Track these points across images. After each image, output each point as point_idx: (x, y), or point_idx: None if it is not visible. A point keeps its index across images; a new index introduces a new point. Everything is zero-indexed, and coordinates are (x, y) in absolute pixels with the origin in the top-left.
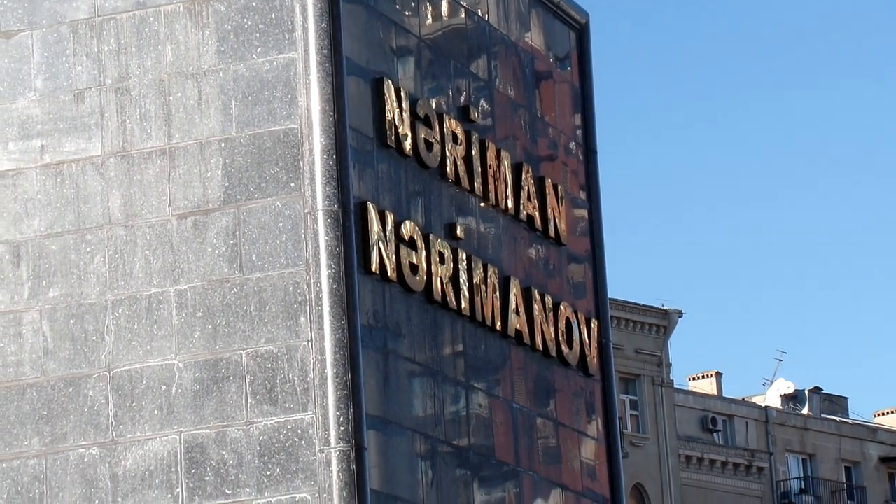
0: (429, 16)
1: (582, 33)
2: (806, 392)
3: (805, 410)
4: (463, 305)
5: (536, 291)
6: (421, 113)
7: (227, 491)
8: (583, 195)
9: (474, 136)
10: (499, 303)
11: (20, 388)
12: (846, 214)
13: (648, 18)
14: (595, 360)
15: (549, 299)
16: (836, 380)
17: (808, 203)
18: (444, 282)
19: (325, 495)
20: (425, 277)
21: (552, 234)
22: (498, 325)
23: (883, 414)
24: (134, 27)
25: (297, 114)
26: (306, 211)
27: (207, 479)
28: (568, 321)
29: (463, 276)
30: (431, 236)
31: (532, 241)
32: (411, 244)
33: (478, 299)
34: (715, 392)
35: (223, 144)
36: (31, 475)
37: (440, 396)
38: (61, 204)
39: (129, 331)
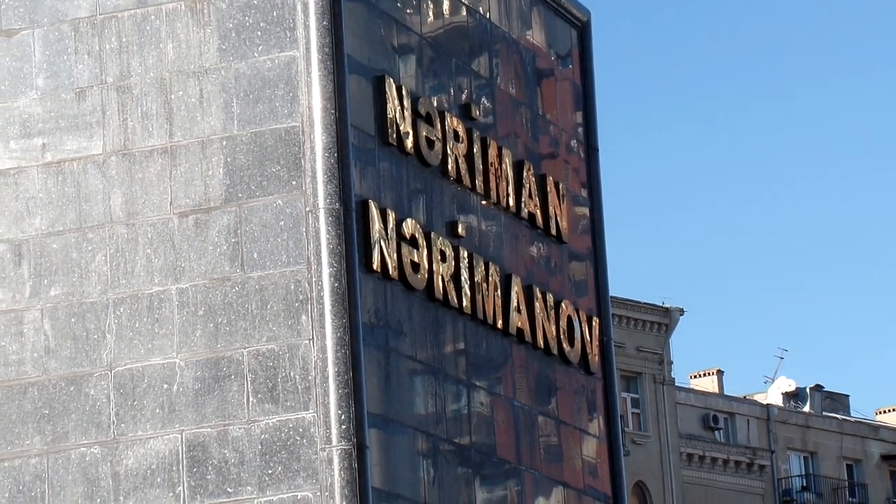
0: (430, 14)
1: (583, 31)
2: (807, 390)
3: (806, 408)
4: (464, 303)
5: (538, 289)
6: (422, 111)
7: (228, 489)
8: (584, 193)
9: (476, 134)
10: (500, 301)
11: (21, 387)
12: (847, 212)
13: (649, 16)
14: (596, 358)
15: (550, 297)
16: (837, 377)
17: (809, 201)
18: (446, 280)
19: (326, 494)
20: (427, 275)
21: (553, 231)
22: (499, 324)
23: (884, 412)
24: (135, 25)
25: (299, 112)
26: (308, 209)
27: (209, 477)
28: (569, 319)
29: (464, 274)
30: (433, 234)
31: (533, 239)
32: (413, 242)
33: (479, 297)
34: (716, 390)
35: (225, 143)
36: (32, 474)
37: (442, 394)
38: (63, 202)
39: (131, 329)
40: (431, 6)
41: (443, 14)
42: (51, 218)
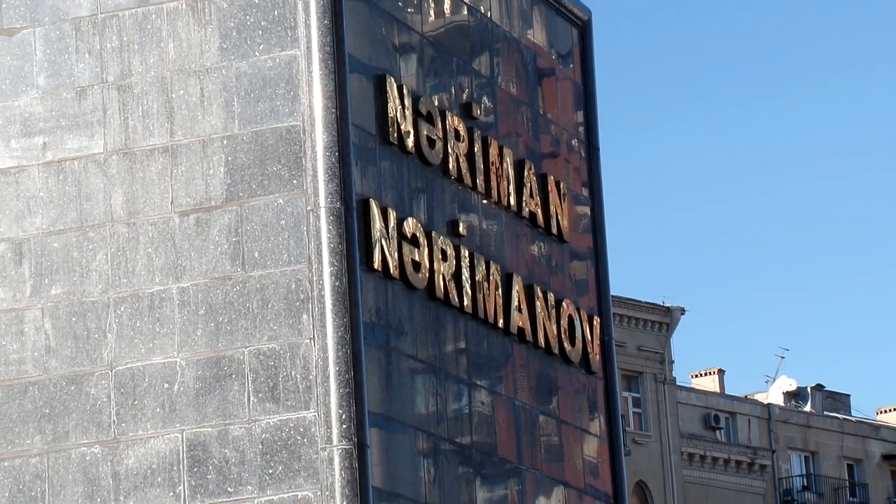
0: (431, 13)
1: (584, 30)
2: (808, 389)
3: (807, 408)
4: (465, 303)
5: (539, 288)
6: (423, 110)
7: (229, 489)
8: (585, 192)
9: (476, 133)
10: (501, 300)
11: (22, 387)
12: (849, 212)
13: (650, 15)
14: (597, 357)
15: (551, 296)
16: (838, 377)
17: (810, 200)
18: (447, 279)
19: (327, 493)
20: (427, 275)
21: (554, 231)
22: (500, 323)
23: (886, 411)
24: (136, 24)
25: (300, 111)
26: (309, 208)
27: (210, 477)
28: (570, 318)
29: (465, 274)
30: (434, 233)
31: (534, 239)
32: (413, 241)
33: (480, 296)
34: (717, 389)
35: (225, 142)
36: (32, 473)
37: (442, 394)
38: (63, 201)
39: (132, 328)
40: (432, 5)
41: (444, 13)
42: (52, 217)
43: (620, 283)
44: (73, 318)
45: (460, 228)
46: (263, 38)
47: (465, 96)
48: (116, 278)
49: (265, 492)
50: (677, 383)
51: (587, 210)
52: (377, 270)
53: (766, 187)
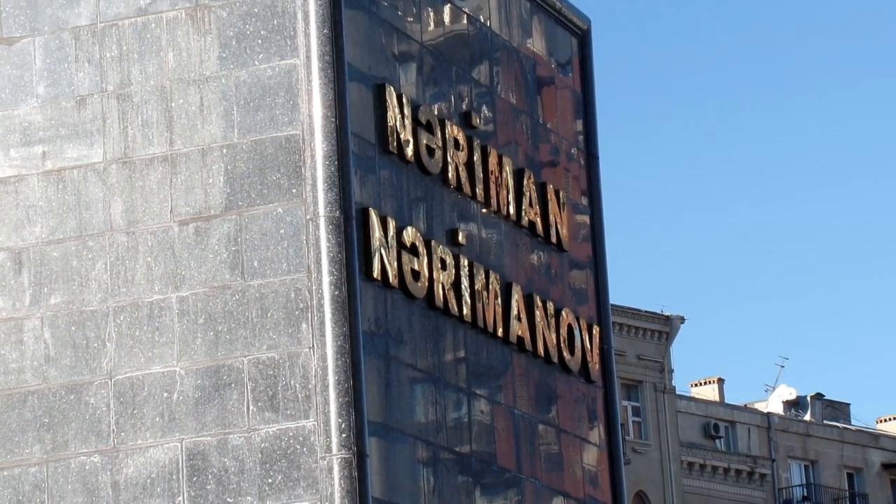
0: (431, 22)
1: (583, 39)
2: (808, 398)
3: (807, 417)
4: (465, 312)
5: (538, 297)
6: (423, 119)
7: (228, 499)
8: (584, 201)
9: (476, 143)
10: (500, 309)
11: (21, 396)
12: (848, 220)
13: (650, 24)
14: (597, 366)
15: (550, 305)
16: (838, 386)
17: (810, 209)
18: (446, 288)
19: (326, 503)
20: (427, 284)
21: (554, 240)
22: (500, 332)
23: (885, 420)
24: (136, 34)
25: (299, 120)
26: (308, 217)
27: (209, 486)
28: (570, 327)
29: (465, 283)
30: (433, 242)
31: (534, 248)
32: (413, 250)
33: (479, 306)
34: (717, 398)
35: (225, 151)
36: (32, 483)
37: (442, 403)
38: (63, 210)
39: (131, 338)
40: (432, 14)
41: (443, 22)
42: (51, 226)
43: (620, 292)
44: (73, 328)
45: (460, 237)
46: (263, 47)
47: (464, 105)
48: (116, 287)
49: (264, 501)
50: (677, 392)
51: (586, 219)
52: (376, 280)
53: (765, 196)
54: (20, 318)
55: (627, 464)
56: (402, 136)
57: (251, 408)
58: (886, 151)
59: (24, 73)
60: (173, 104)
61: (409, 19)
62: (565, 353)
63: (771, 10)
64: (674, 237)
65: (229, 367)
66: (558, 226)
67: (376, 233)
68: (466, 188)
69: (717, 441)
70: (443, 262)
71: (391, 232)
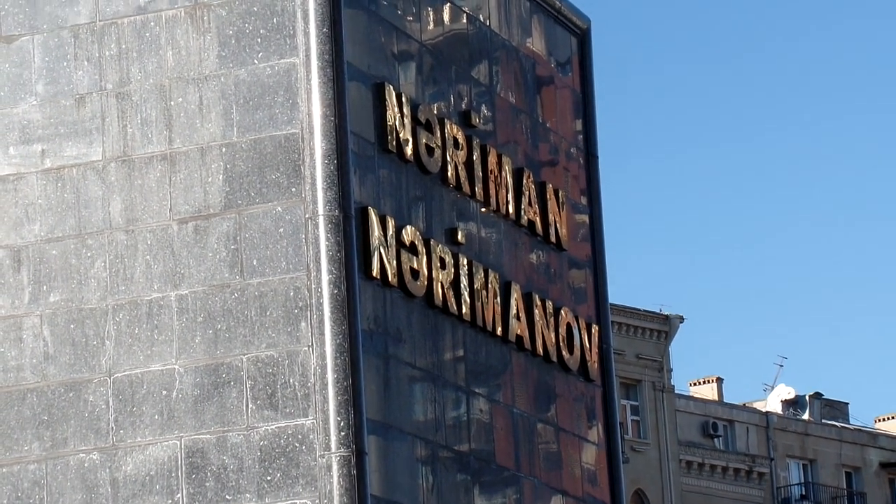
0: (430, 21)
1: (583, 39)
2: (807, 397)
3: (806, 416)
4: (464, 310)
5: (537, 297)
6: (422, 118)
7: (227, 496)
8: (584, 200)
9: (475, 142)
10: (499, 308)
11: (21, 393)
12: (846, 220)
13: (649, 24)
14: (596, 365)
15: (549, 304)
16: (836, 385)
17: (809, 209)
18: (445, 287)
19: (325, 500)
20: (426, 282)
21: (553, 239)
22: (499, 331)
23: (884, 419)
24: (135, 32)
25: (299, 119)
26: (307, 216)
27: (208, 484)
28: (569, 326)
29: (464, 282)
30: (432, 241)
31: (533, 247)
32: (412, 249)
33: (478, 304)
34: (716, 397)
35: (224, 149)
36: (31, 480)
37: (441, 401)
38: (62, 209)
39: (130, 336)
40: (431, 13)
41: (443, 21)
42: (50, 224)
43: (619, 292)
44: (72, 326)
45: (459, 236)
46: (262, 46)
47: (464, 104)
48: (115, 286)
49: (263, 499)
50: (676, 391)
51: (586, 218)
52: (376, 278)
53: (764, 196)
54: (19, 315)
55: (626, 463)
56: (401, 136)
57: (250, 406)
58: (884, 151)
59: (23, 72)
60: (172, 103)
61: (408, 18)
62: (564, 352)
63: (773, 12)
64: (673, 237)
65: (228, 365)
66: (557, 225)
67: (375, 232)
68: (466, 187)
69: (715, 440)
70: (442, 261)
71: (390, 231)
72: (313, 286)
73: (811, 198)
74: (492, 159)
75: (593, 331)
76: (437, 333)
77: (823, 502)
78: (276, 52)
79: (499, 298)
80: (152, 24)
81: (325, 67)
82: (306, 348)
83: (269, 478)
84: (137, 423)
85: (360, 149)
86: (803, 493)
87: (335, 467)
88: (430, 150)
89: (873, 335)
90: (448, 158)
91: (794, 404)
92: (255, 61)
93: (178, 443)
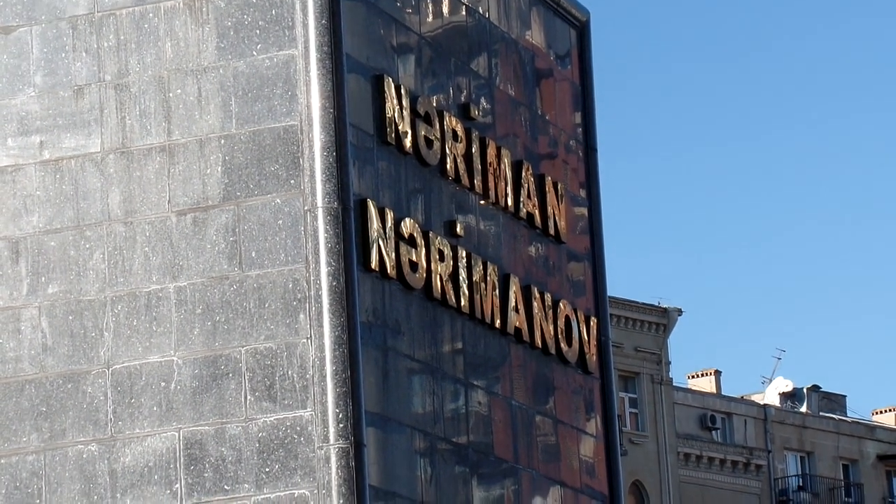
0: (429, 13)
1: (582, 31)
2: (804, 390)
3: (803, 408)
4: (462, 303)
5: (536, 289)
6: (421, 110)
7: (225, 487)
8: (583, 193)
9: (474, 134)
10: (498, 300)
11: (19, 385)
12: (846, 216)
13: (649, 16)
14: (594, 357)
15: (548, 297)
16: (834, 378)
17: (807, 202)
18: (444, 279)
19: (324, 492)
20: (425, 275)
21: (552, 231)
22: (497, 323)
23: (881, 412)
24: (133, 23)
25: (297, 111)
26: (306, 208)
27: (206, 475)
28: (567, 319)
29: (462, 274)
30: (431, 234)
31: (532, 239)
32: (411, 242)
33: (477, 297)
34: (714, 390)
35: (223, 141)
36: (29, 471)
37: (439, 394)
38: (60, 200)
39: (129, 327)
40: (431, 6)
41: (442, 14)
42: (48, 216)
43: (618, 285)
44: (70, 317)
45: (458, 229)
46: (261, 37)
47: (463, 97)
48: (113, 277)
49: (262, 490)
50: (674, 384)
51: (584, 211)
52: (374, 270)
53: (763, 191)
54: (18, 307)
55: (624, 455)
56: (400, 128)
57: (249, 398)
58: (882, 146)
59: (21, 63)
60: (171, 94)
61: (407, 10)
62: (563, 345)
63: (775, 6)
64: (672, 230)
65: (227, 356)
66: (556, 218)
67: (374, 224)
68: (465, 180)
69: (713, 432)
70: (441, 253)
71: (389, 223)
72: (312, 278)
73: (810, 193)
74: (491, 152)
75: (592, 323)
76: (435, 326)
77: (821, 494)
78: (275, 44)
79: (497, 291)
80: (151, 15)
81: (324, 59)
82: (305, 340)
83: (267, 469)
84: (136, 414)
85: (358, 141)
86: (801, 484)
87: (333, 459)
88: (429, 143)
89: (871, 329)
90: (447, 151)
91: (791, 397)
92: (254, 53)
93: (177, 434)
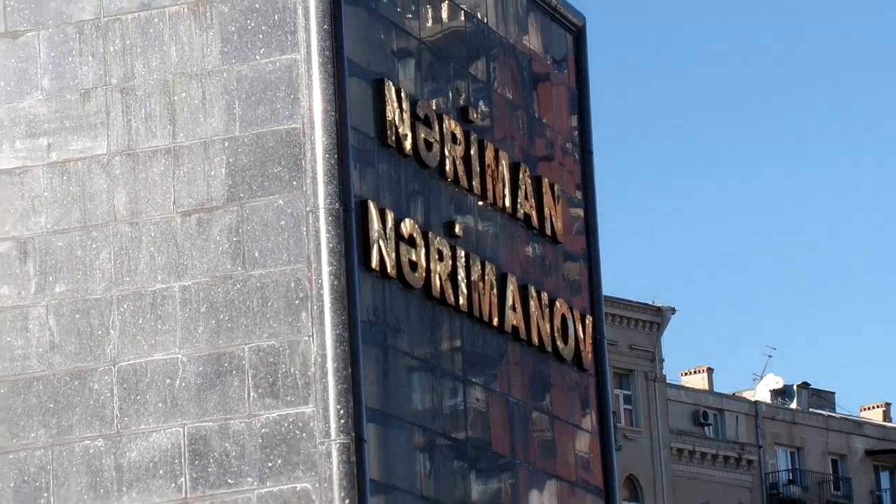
0: (429, 18)
1: (579, 36)
2: (794, 387)
3: (793, 405)
4: (461, 302)
5: (533, 288)
6: (421, 113)
7: (229, 481)
8: (578, 195)
9: (473, 137)
10: (496, 299)
11: (27, 382)
12: (834, 214)
13: (644, 22)
14: (589, 355)
15: (545, 296)
16: (823, 375)
17: (796, 203)
18: (443, 278)
19: (325, 485)
20: (424, 274)
21: (548, 232)
22: (495, 321)
23: (869, 408)
24: (139, 28)
25: (300, 114)
26: (308, 209)
27: (210, 469)
28: (563, 317)
29: (461, 273)
30: (430, 234)
31: (529, 240)
32: (411, 242)
33: (475, 296)
34: (706, 387)
35: (227, 144)
36: (37, 466)
37: (438, 390)
38: (68, 201)
39: (134, 325)
40: (430, 11)
41: (441, 19)
42: (56, 216)
43: (613, 284)
44: (77, 316)
45: (456, 229)
46: (264, 42)
47: (461, 100)
48: (119, 276)
49: (265, 483)
50: (667, 381)
51: (580, 212)
52: (375, 270)
53: (753, 191)
54: (26, 306)
55: (619, 450)
56: (400, 130)
57: (252, 394)
58: (869, 147)
59: (28, 67)
60: (176, 98)
61: (407, 16)
62: (559, 343)
63: (766, 8)
64: (666, 231)
65: (230, 354)
66: (553, 218)
67: (375, 224)
68: (463, 181)
69: (705, 428)
70: (440, 253)
71: (389, 224)
72: (314, 277)
73: (800, 193)
74: (489, 154)
75: (587, 322)
76: (434, 324)
77: (810, 488)
78: (278, 48)
79: (495, 290)
80: (156, 20)
81: (325, 63)
82: (307, 338)
83: (270, 464)
84: (141, 410)
85: (359, 143)
86: (791, 478)
87: (335, 454)
88: (428, 145)
89: (859, 327)
90: (446, 153)
91: (782, 394)
92: (257, 57)
93: (182, 430)
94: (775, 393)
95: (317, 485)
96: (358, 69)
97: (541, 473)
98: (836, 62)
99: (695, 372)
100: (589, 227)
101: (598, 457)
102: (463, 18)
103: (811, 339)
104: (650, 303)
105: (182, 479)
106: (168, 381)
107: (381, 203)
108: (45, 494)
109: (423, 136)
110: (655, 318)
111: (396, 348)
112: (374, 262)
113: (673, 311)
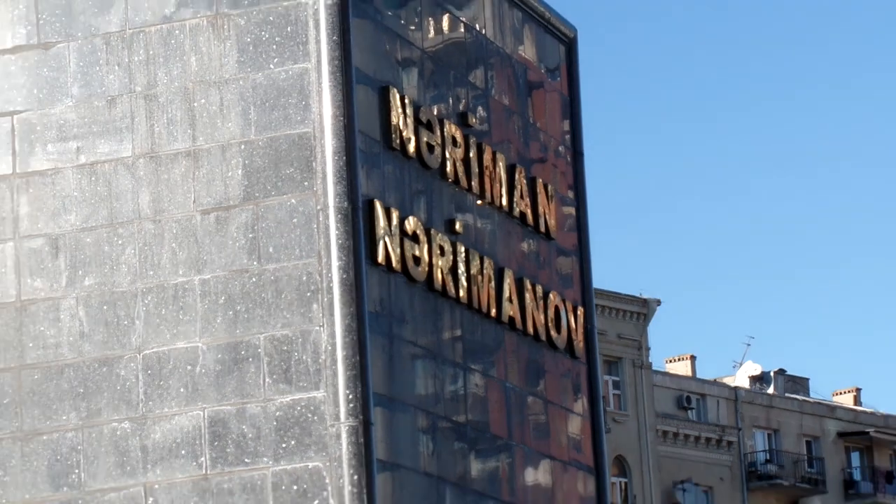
0: (431, 30)
1: (570, 46)
2: (771, 373)
3: (770, 390)
4: (461, 294)
5: (528, 281)
6: (423, 118)
7: (246, 460)
8: (571, 194)
9: (472, 140)
10: (494, 292)
11: (59, 368)
12: (807, 210)
13: (632, 32)
14: (581, 344)
15: (539, 289)
16: (798, 362)
17: (773, 200)
18: (444, 272)
19: (335, 464)
20: (427, 268)
21: (543, 229)
22: (493, 312)
23: (841, 393)
24: (161, 39)
25: (311, 119)
26: (318, 208)
27: (229, 450)
28: (557, 309)
29: (461, 268)
30: (433, 231)
31: (524, 236)
32: (414, 238)
33: (475, 288)
34: (689, 373)
35: (243, 147)
36: (69, 446)
37: (440, 377)
38: (95, 200)
39: (158, 316)
40: (432, 23)
41: (442, 30)
42: (85, 214)
43: (602, 277)
44: (105, 307)
45: (457, 226)
46: (277, 52)
47: (461, 106)
48: (144, 271)
49: (279, 462)
50: (653, 368)
51: (572, 210)
52: (381, 264)
53: (732, 191)
54: (57, 298)
55: (608, 432)
56: (404, 134)
57: (267, 380)
58: (847, 141)
59: (59, 76)
60: (195, 104)
61: (411, 27)
62: (552, 332)
63: (751, 16)
64: (652, 228)
65: (247, 343)
66: (547, 216)
67: (381, 222)
68: (463, 182)
69: (689, 412)
70: (441, 248)
71: (394, 221)
72: (324, 271)
73: (775, 191)
74: (487, 156)
75: (579, 313)
76: (436, 315)
77: (785, 466)
78: (290, 58)
79: (493, 283)
80: (177, 32)
81: (335, 72)
82: (318, 328)
83: (284, 445)
84: (165, 395)
85: (366, 146)
86: (768, 458)
87: (344, 436)
88: (430, 148)
89: (832, 316)
90: (447, 155)
91: (759, 380)
92: (271, 66)
93: (202, 413)
94: (753, 379)
95: (327, 464)
96: (365, 77)
97: (535, 453)
98: (843, 61)
99: (679, 359)
100: (580, 225)
101: (588, 438)
102: (463, 30)
103: (787, 328)
104: (637, 295)
105: (203, 458)
106: (189, 367)
107: (387, 202)
108: (77, 471)
109: (425, 139)
110: (642, 310)
111: (401, 337)
112: (381, 257)
113: (658, 302)
